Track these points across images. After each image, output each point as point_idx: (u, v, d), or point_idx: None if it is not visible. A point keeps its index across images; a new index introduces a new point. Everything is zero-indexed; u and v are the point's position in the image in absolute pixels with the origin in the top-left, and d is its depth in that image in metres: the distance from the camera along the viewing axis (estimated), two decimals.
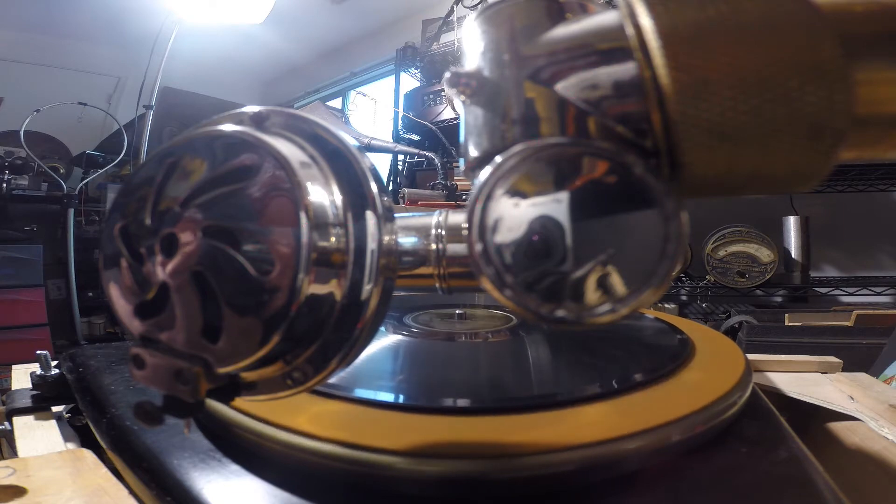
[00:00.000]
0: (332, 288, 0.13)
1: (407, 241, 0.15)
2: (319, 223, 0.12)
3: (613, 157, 0.12)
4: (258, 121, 0.14)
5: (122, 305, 0.14)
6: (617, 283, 0.11)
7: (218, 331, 0.12)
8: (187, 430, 0.20)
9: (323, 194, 0.13)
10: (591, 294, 0.12)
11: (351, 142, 0.14)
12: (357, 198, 0.13)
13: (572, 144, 0.12)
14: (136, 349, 0.13)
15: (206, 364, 0.13)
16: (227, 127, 0.13)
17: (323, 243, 0.12)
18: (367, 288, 0.13)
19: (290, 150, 0.13)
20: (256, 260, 0.12)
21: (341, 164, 0.13)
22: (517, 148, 0.12)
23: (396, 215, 0.15)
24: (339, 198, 0.13)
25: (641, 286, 0.11)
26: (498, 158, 0.13)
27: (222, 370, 0.13)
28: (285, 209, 0.12)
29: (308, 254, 0.12)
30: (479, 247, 0.12)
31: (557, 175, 0.12)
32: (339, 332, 0.13)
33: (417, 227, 0.15)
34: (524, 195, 0.12)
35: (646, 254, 0.11)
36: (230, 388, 0.14)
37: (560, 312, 0.12)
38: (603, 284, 0.11)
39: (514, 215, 0.12)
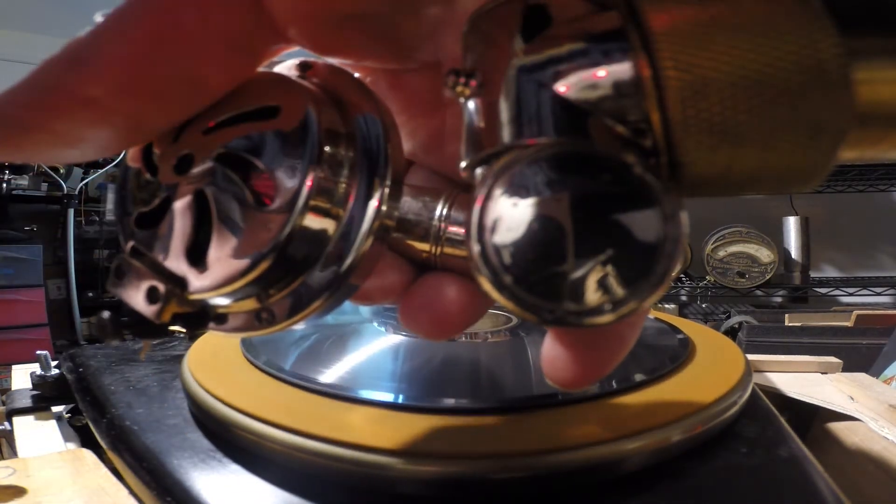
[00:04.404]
0: (327, 226, 0.13)
1: (412, 210, 0.15)
2: (329, 164, 0.13)
3: (613, 157, 0.12)
4: (302, 69, 0.15)
5: (125, 216, 0.14)
6: (617, 283, 0.11)
7: (204, 253, 0.13)
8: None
9: (340, 143, 0.13)
10: (591, 294, 0.11)
11: (383, 103, 0.14)
12: (373, 153, 0.13)
13: (571, 144, 0.12)
14: (122, 258, 0.13)
15: (182, 285, 0.13)
16: (271, 68, 0.14)
17: (328, 185, 0.12)
18: (361, 237, 0.13)
19: (321, 99, 0.13)
20: (259, 192, 0.13)
21: (367, 122, 0.14)
22: (516, 148, 0.12)
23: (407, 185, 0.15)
24: (354, 151, 0.13)
25: (641, 286, 0.11)
26: (496, 158, 0.13)
27: (197, 296, 0.13)
28: (300, 150, 0.12)
29: (310, 193, 0.12)
30: (477, 247, 0.12)
31: (556, 175, 0.12)
32: (324, 275, 0.13)
33: (425, 199, 0.15)
34: (523, 195, 0.12)
35: (646, 254, 0.11)
36: (198, 317, 0.14)
37: (559, 313, 0.12)
38: (603, 285, 0.11)
39: (512, 215, 0.12)
